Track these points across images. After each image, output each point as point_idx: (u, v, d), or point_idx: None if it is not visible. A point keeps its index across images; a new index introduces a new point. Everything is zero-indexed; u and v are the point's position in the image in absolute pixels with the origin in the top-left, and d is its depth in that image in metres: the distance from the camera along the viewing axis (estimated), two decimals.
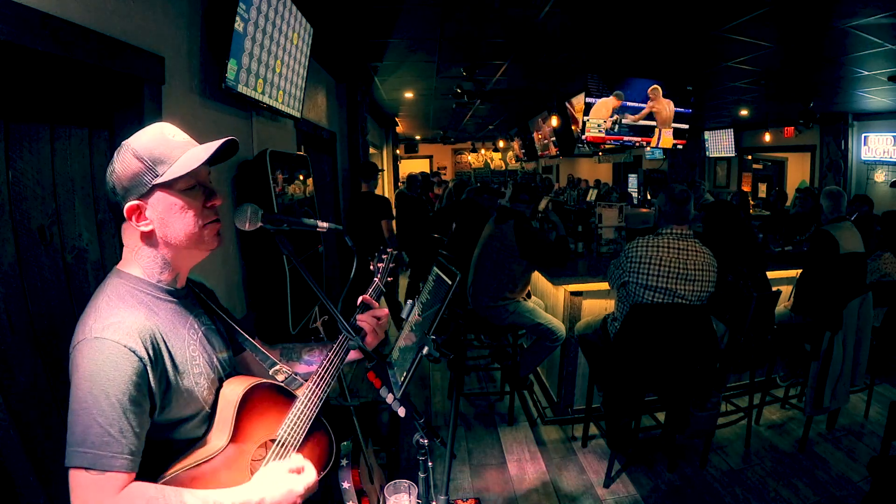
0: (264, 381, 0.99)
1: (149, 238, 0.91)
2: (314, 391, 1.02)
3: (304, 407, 1.00)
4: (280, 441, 0.95)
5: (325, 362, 1.07)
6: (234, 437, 0.91)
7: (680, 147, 5.57)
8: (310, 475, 0.95)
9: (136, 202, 0.88)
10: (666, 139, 5.37)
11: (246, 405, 0.93)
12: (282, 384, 1.04)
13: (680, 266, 2.36)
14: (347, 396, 1.33)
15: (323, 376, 1.05)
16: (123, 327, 0.83)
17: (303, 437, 0.98)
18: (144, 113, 1.53)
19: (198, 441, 0.93)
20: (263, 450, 0.96)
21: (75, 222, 1.42)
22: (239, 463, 0.92)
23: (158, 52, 1.63)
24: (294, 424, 0.97)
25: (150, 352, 0.85)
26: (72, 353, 0.81)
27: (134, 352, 0.82)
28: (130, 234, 0.92)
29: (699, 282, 2.37)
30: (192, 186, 0.92)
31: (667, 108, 5.24)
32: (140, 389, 0.82)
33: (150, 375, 0.84)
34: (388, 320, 1.27)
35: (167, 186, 0.89)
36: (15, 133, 1.22)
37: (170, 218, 0.91)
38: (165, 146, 0.90)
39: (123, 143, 0.90)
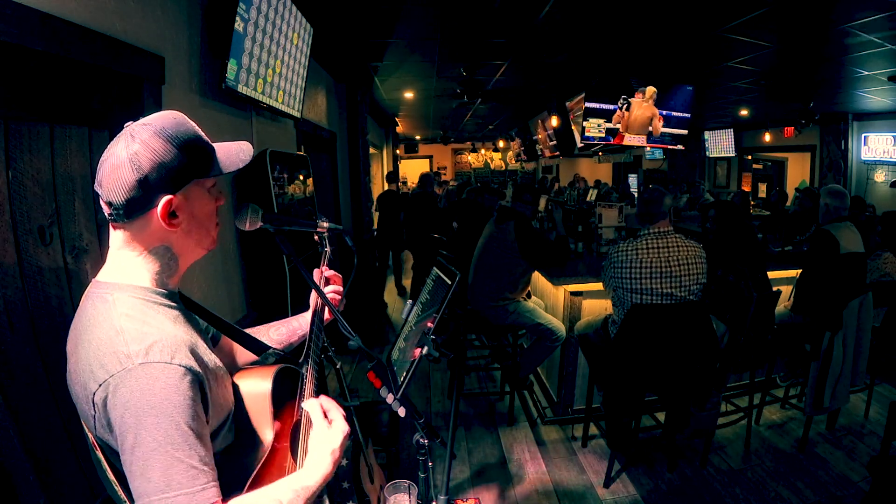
0: (280, 367, 0.97)
1: (169, 238, 0.81)
2: (311, 364, 1.02)
3: (310, 382, 1.00)
4: (304, 419, 0.94)
5: (310, 335, 1.08)
6: (276, 429, 0.91)
7: (681, 149, 5.57)
8: (338, 420, 0.88)
9: (170, 197, 0.77)
10: (629, 139, 5.27)
11: (276, 395, 0.92)
12: (292, 365, 1.02)
13: (662, 265, 2.37)
14: (347, 396, 1.32)
15: (313, 349, 1.05)
16: (169, 344, 0.74)
17: None
18: (144, 113, 1.52)
19: (239, 446, 0.87)
20: (294, 431, 0.94)
21: (75, 222, 1.43)
22: (282, 451, 0.91)
23: (158, 52, 1.63)
24: (309, 398, 0.97)
25: (198, 364, 0.76)
26: (101, 391, 0.69)
27: (189, 369, 0.74)
28: (142, 236, 0.79)
29: (686, 276, 2.38)
30: (214, 184, 0.87)
31: (645, 113, 5.13)
32: (201, 408, 0.75)
33: (203, 391, 0.76)
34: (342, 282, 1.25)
35: (201, 182, 0.82)
36: (15, 133, 1.22)
37: (201, 214, 0.84)
38: (199, 134, 0.82)
39: (143, 125, 0.77)
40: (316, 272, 1.21)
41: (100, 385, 0.70)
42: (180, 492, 0.67)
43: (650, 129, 5.18)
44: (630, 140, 5.15)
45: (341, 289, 1.24)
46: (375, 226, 5.80)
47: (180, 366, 0.73)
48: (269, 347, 1.06)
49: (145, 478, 0.67)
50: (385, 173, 8.59)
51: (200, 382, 0.76)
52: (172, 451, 0.68)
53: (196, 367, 0.76)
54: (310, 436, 0.87)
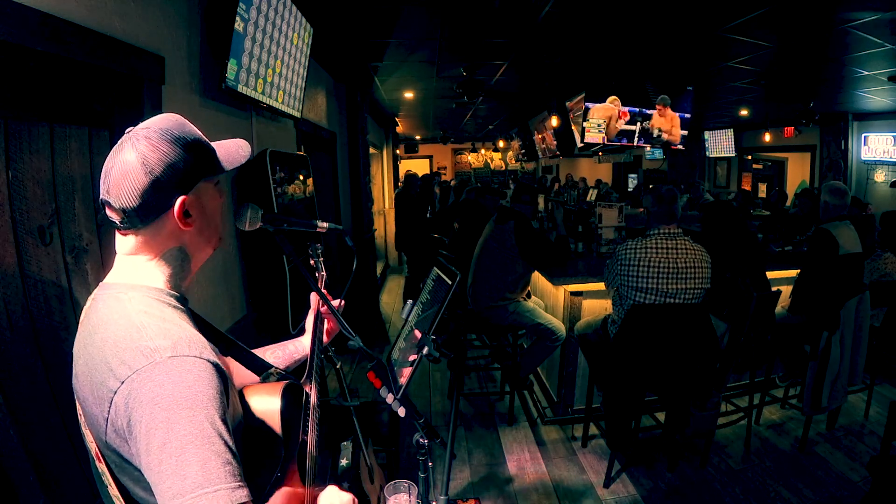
0: (287, 383, 0.96)
1: (184, 238, 0.81)
2: (314, 382, 1.02)
3: (315, 399, 1.00)
4: (309, 440, 0.93)
5: (312, 356, 1.07)
6: (286, 447, 0.88)
7: (681, 149, 5.57)
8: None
9: (184, 197, 0.77)
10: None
11: (286, 412, 0.90)
12: (296, 381, 1.01)
13: (670, 266, 2.37)
14: (347, 396, 1.32)
15: (314, 366, 1.05)
16: (195, 341, 0.72)
17: (317, 428, 0.98)
18: (144, 113, 1.53)
19: (249, 462, 0.84)
20: (301, 451, 0.93)
21: (75, 222, 1.43)
22: (292, 472, 0.88)
23: (158, 52, 1.63)
24: (312, 418, 0.97)
25: (223, 364, 0.75)
26: (123, 389, 0.66)
27: (217, 366, 0.72)
28: (158, 239, 0.79)
29: (692, 279, 2.38)
30: (219, 181, 0.87)
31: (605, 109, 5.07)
32: (228, 407, 0.73)
33: (227, 388, 0.74)
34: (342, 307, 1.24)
35: (209, 179, 0.83)
36: (15, 133, 1.22)
37: (213, 213, 0.84)
38: (200, 135, 0.82)
39: (146, 129, 0.76)
40: (313, 296, 1.19)
41: (122, 382, 0.67)
42: (220, 486, 0.64)
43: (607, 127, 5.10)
44: (589, 138, 5.11)
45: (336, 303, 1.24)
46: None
47: (209, 361, 0.71)
48: (271, 366, 1.04)
49: (179, 475, 0.63)
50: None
51: (226, 381, 0.74)
52: (209, 444, 0.65)
53: (222, 366, 0.74)
54: (327, 490, 0.88)
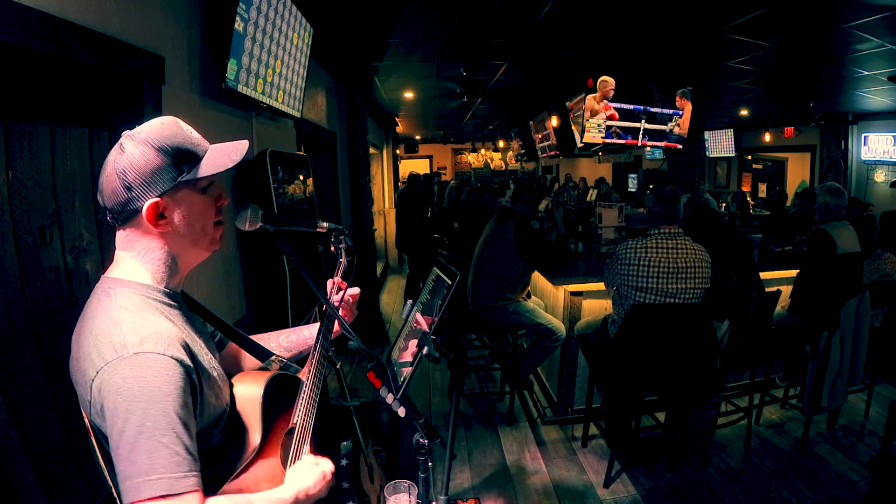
0: (275, 373, 0.99)
1: (163, 239, 0.85)
2: (313, 374, 1.02)
3: (310, 391, 1.00)
4: (298, 427, 0.95)
5: (315, 345, 1.08)
6: (265, 434, 0.91)
7: (681, 148, 5.57)
8: (327, 462, 0.95)
9: (156, 200, 0.81)
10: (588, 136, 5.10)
11: (268, 401, 0.93)
12: (288, 373, 1.03)
13: (670, 266, 2.37)
14: (347, 396, 1.32)
15: (317, 358, 1.06)
16: (163, 337, 0.78)
17: (313, 420, 0.99)
18: (144, 113, 1.53)
19: (228, 447, 0.89)
20: (287, 438, 0.95)
21: (75, 222, 1.43)
22: (272, 458, 0.92)
23: (158, 52, 1.63)
24: (305, 409, 0.98)
25: (190, 360, 0.80)
26: (98, 378, 0.74)
27: (180, 362, 0.78)
28: (137, 237, 0.84)
29: (692, 279, 2.38)
30: (210, 184, 0.89)
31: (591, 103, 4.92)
32: (190, 401, 0.78)
33: (193, 385, 0.80)
34: (358, 298, 1.25)
35: (191, 184, 0.85)
36: (15, 133, 1.22)
37: (192, 217, 0.87)
38: (188, 140, 0.85)
39: (133, 134, 0.82)
40: (330, 282, 1.21)
41: (97, 372, 0.74)
42: (163, 475, 0.71)
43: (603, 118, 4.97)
44: (589, 137, 5.05)
45: (353, 295, 1.23)
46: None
47: (172, 357, 0.77)
48: (272, 354, 1.07)
49: (130, 461, 0.71)
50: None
51: (191, 376, 0.79)
52: (159, 436, 0.72)
53: (188, 361, 0.79)
54: (297, 462, 0.91)
